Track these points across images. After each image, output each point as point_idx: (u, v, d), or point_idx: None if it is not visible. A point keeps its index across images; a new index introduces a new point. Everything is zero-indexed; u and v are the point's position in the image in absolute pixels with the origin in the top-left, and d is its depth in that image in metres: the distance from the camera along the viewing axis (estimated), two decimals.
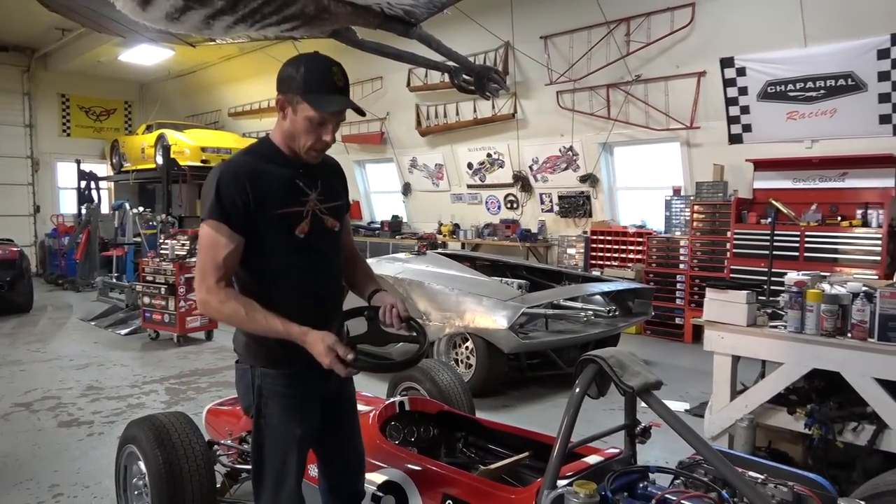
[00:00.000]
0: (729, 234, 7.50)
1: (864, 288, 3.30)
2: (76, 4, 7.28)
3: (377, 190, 13.34)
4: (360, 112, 2.04)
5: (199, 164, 12.00)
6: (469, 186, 11.14)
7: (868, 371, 3.18)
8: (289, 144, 2.02)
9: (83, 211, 12.88)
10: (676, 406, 5.31)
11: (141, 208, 11.80)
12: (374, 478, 2.46)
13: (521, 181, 10.24)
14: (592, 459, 2.22)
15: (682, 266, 8.14)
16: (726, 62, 7.35)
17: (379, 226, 12.64)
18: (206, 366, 6.53)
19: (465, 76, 7.64)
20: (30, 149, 14.95)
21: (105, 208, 13.97)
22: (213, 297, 1.94)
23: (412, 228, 12.28)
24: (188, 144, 12.23)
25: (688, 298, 8.00)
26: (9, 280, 9.18)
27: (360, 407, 3.19)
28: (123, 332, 8.13)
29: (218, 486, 2.98)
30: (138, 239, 10.78)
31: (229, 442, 3.16)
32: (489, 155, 10.51)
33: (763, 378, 3.71)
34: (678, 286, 8.16)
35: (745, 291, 3.64)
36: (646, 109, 8.32)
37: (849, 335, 3.24)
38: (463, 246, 10.76)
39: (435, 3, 5.55)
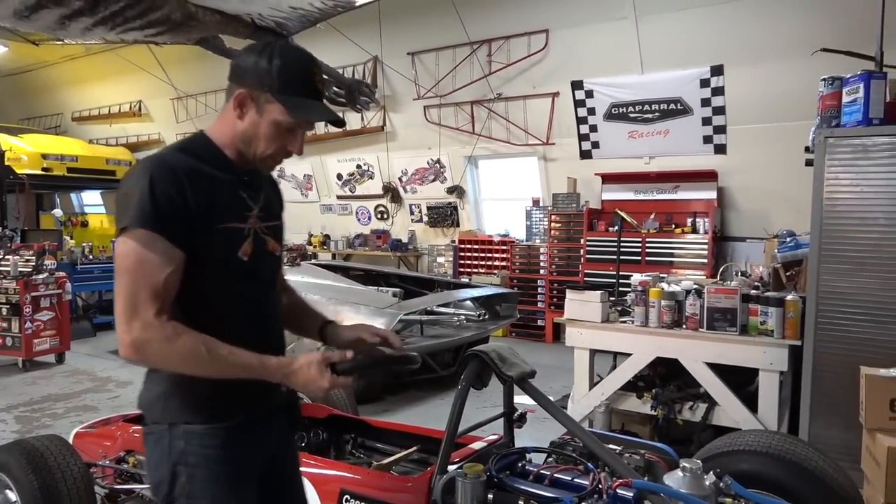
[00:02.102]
0: (582, 241, 8.21)
1: (695, 286, 3.87)
2: None
3: None
4: (342, 124, 1.76)
5: (39, 171, 10.98)
6: (339, 197, 11.19)
7: (700, 356, 3.74)
8: (238, 148, 1.62)
9: None
10: None
11: None
12: None
13: (391, 192, 10.48)
14: (477, 446, 2.45)
15: (542, 271, 8.76)
16: (576, 84, 8.08)
17: None
18: (59, 390, 6.05)
19: (336, 89, 7.77)
20: None
21: None
22: (155, 333, 1.44)
23: None
24: (26, 151, 11.14)
25: (548, 301, 8.63)
26: None
27: None
28: None
29: None
30: None
31: (107, 462, 3.04)
32: (359, 166, 10.64)
33: (615, 368, 4.20)
34: (539, 290, 8.77)
35: (598, 292, 4.10)
36: (507, 125, 8.89)
37: (684, 326, 3.79)
38: (334, 256, 10.79)
39: (308, 17, 5.64)
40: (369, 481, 2.38)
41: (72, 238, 10.12)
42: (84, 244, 9.33)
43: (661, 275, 4.45)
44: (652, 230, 7.67)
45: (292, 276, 6.33)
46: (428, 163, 9.92)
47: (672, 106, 7.57)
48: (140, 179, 1.48)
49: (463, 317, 6.12)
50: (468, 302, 6.96)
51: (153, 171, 1.49)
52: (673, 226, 7.67)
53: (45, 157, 11.17)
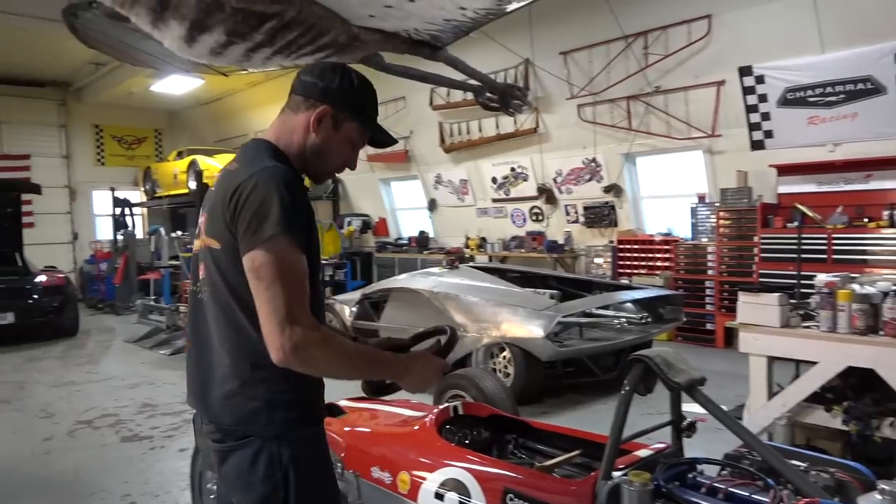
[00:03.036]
0: (755, 238, 7.60)
1: (894, 287, 3.43)
2: (112, 40, 7.67)
3: (403, 206, 13.61)
4: (392, 143, 1.83)
5: None
6: (494, 200, 11.35)
7: None
8: (305, 158, 1.66)
9: (119, 237, 13.31)
10: None
11: (180, 232, 12.17)
12: (436, 476, 2.65)
13: (546, 194, 10.42)
14: (642, 453, 2.38)
15: (710, 272, 8.24)
16: (745, 71, 7.50)
17: (406, 242, 12.89)
18: None
19: (489, 94, 7.89)
20: (67, 178, 15.51)
21: (140, 233, 14.41)
22: (315, 337, 1.46)
23: (439, 243, 12.51)
24: (218, 169, 12.56)
25: (718, 303, 8.09)
26: (57, 305, 9.54)
27: (412, 413, 3.40)
28: (167, 352, 8.43)
29: None
30: (176, 262, 11.13)
31: None
32: (513, 169, 10.72)
33: (798, 377, 3.84)
34: (707, 291, 8.26)
35: (776, 294, 3.78)
36: (666, 119, 8.48)
37: (881, 332, 3.38)
38: (490, 259, 10.95)
39: (461, 28, 5.81)
40: (533, 482, 2.40)
41: None
42: None
43: (852, 274, 4.00)
44: (839, 225, 6.91)
45: (451, 279, 6.54)
46: (583, 162, 9.74)
47: (860, 86, 6.76)
48: (277, 189, 1.49)
49: (623, 320, 5.94)
50: (629, 304, 6.74)
51: (286, 181, 1.51)
52: (865, 219, 6.84)
53: None
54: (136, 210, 14.59)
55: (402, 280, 7.04)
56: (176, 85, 12.77)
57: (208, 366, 1.64)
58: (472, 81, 7.56)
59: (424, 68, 7.46)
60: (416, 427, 2.98)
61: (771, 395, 3.87)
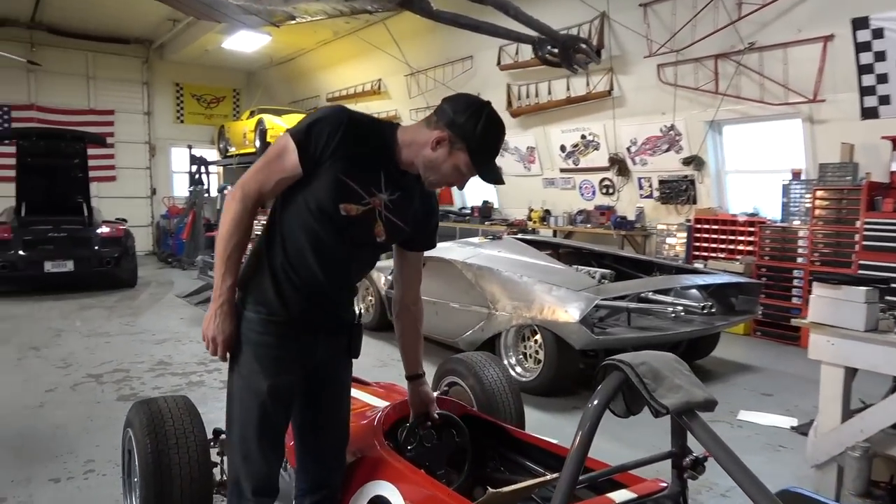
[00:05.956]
0: (858, 223, 6.44)
1: None
2: None
3: None
4: (502, 183, 2.02)
5: None
6: (562, 170, 10.49)
7: None
8: (417, 163, 1.93)
9: (188, 193, 13.51)
10: (781, 421, 4.56)
11: None
12: (366, 490, 2.10)
13: (618, 164, 9.47)
14: (620, 496, 1.71)
15: (800, 260, 7.15)
16: (859, 23, 6.27)
17: (469, 211, 12.28)
18: None
19: (549, 48, 7.03)
20: (147, 135, 15.92)
21: (213, 191, 14.59)
22: (239, 206, 1.91)
23: (503, 214, 11.82)
24: (283, 129, 12.43)
25: (805, 296, 6.98)
26: (116, 256, 9.70)
27: (374, 401, 2.84)
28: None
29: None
30: None
31: None
32: (583, 136, 9.82)
33: (889, 397, 2.98)
34: (795, 282, 7.19)
35: (864, 288, 2.92)
36: (761, 81, 7.34)
37: None
38: (555, 234, 10.15)
39: None
40: None
41: None
42: None
43: None
44: None
45: (490, 251, 5.90)
46: (661, 130, 8.72)
47: None
48: (320, 113, 1.92)
49: (682, 307, 5.06)
50: (694, 291, 5.88)
51: (327, 115, 1.90)
52: None
53: None
54: (211, 168, 14.78)
55: (438, 249, 6.44)
56: (246, 42, 12.60)
57: None
58: (531, 32, 6.77)
59: (479, 17, 6.75)
60: (364, 422, 2.43)
61: (846, 415, 3.03)
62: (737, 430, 4.43)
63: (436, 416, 2.39)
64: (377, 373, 5.12)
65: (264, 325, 1.97)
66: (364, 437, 2.31)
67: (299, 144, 1.86)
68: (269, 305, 1.97)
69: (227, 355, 2.00)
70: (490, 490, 1.99)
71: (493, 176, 1.94)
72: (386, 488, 2.04)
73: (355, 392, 3.00)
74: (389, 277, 6.82)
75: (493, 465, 2.57)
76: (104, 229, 9.93)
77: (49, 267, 9.01)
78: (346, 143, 1.87)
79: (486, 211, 11.82)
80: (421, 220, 2.10)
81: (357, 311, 2.24)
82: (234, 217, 1.92)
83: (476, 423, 2.61)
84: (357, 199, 1.90)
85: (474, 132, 1.84)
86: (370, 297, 7.13)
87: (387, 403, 2.65)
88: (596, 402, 1.51)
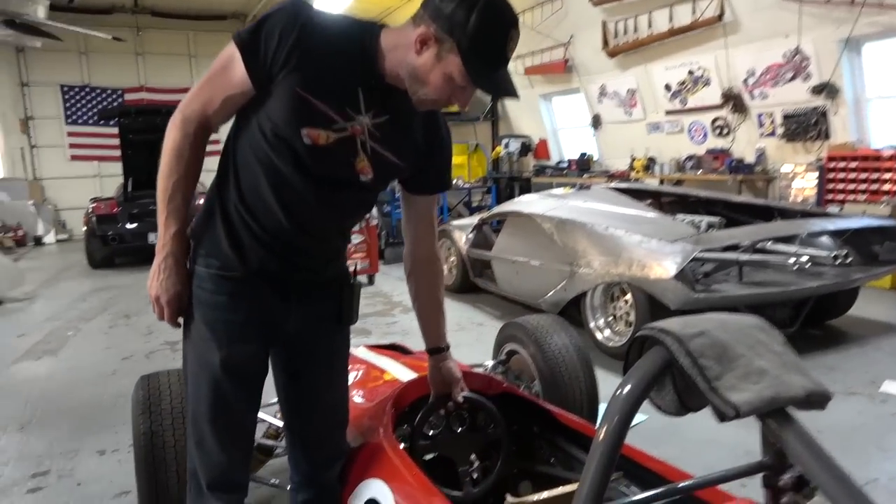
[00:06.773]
0: None
1: None
2: None
3: (565, 126, 12.12)
4: (514, 96, 1.48)
5: None
6: (668, 112, 9.45)
7: None
8: (400, 74, 1.45)
9: None
10: None
11: None
12: (361, 490, 1.67)
13: (733, 100, 8.33)
14: None
15: None
16: None
17: (566, 165, 11.50)
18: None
19: None
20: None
21: None
22: (178, 133, 1.52)
23: (603, 166, 10.93)
24: None
25: None
26: None
27: (405, 374, 2.41)
28: None
29: None
30: None
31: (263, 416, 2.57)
32: (691, 72, 8.72)
33: None
34: None
35: None
36: None
37: None
38: (662, 182, 9.20)
39: None
40: None
41: None
42: None
43: None
44: None
45: (574, 202, 5.28)
46: (784, 56, 7.50)
47: None
48: (272, 8, 1.45)
49: (807, 258, 4.17)
50: (825, 238, 4.95)
51: (282, 7, 1.44)
52: None
53: None
54: None
55: (518, 203, 5.87)
56: (333, 4, 12.40)
57: None
58: None
59: None
60: (376, 401, 2.00)
61: None
62: (879, 405, 3.60)
63: (460, 398, 1.91)
64: (452, 336, 4.70)
65: (216, 282, 1.58)
66: (372, 419, 1.89)
67: (245, 50, 1.43)
68: (221, 258, 1.58)
69: (181, 320, 1.63)
70: (509, 499, 1.50)
71: (500, 87, 1.45)
72: (380, 490, 1.60)
73: (386, 363, 2.59)
74: (471, 236, 6.35)
75: (541, 458, 2.06)
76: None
77: (153, 238, 9.29)
78: (306, 47, 1.41)
79: (584, 163, 11.01)
80: (423, 154, 1.63)
81: (351, 268, 1.80)
82: (173, 147, 1.53)
83: (521, 406, 2.11)
84: (325, 122, 1.45)
85: (465, 25, 1.34)
86: (452, 258, 6.71)
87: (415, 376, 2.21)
88: (627, 389, 0.96)
